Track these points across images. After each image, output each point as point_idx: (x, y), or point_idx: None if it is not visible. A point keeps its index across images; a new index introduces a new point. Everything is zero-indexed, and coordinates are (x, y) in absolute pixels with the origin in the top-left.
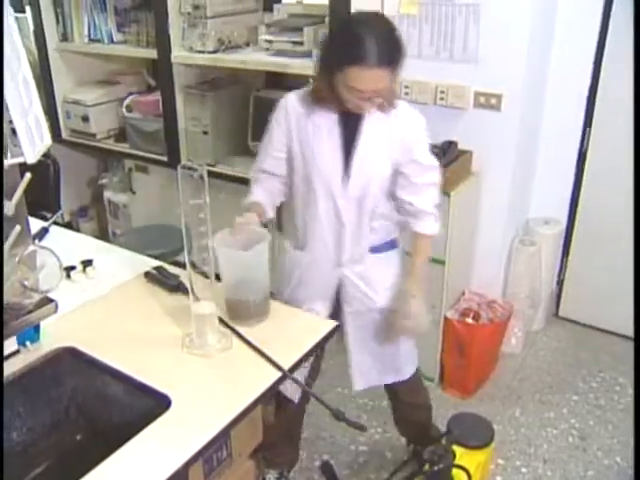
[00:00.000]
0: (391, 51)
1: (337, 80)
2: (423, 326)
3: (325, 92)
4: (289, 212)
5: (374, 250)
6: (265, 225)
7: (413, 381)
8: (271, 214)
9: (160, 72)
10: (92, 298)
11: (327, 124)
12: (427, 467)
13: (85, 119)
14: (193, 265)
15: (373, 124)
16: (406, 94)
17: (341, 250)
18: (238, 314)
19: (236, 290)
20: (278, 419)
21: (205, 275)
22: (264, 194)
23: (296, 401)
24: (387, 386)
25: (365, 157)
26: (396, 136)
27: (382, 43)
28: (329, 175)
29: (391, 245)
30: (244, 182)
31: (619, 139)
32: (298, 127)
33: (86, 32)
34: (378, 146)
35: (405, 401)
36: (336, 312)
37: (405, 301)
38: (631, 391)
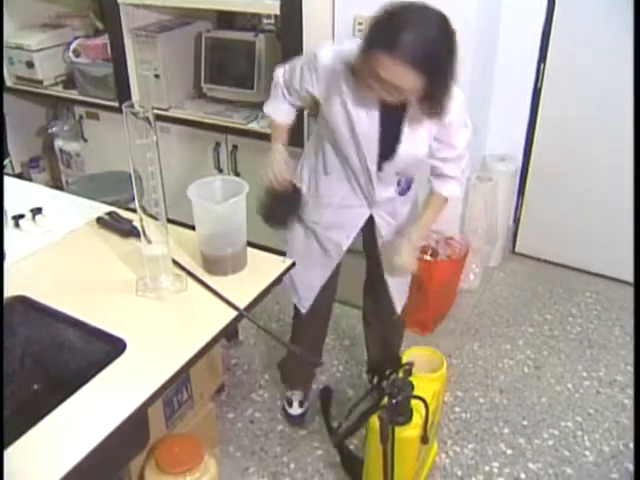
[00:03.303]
0: (429, 56)
1: (366, 60)
2: (407, 268)
3: (360, 71)
4: (315, 139)
5: (401, 193)
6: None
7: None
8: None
9: (107, 14)
10: (42, 246)
11: (368, 105)
12: (386, 399)
13: (30, 65)
14: (143, 208)
15: (416, 118)
16: (359, 31)
17: (371, 195)
18: (214, 267)
19: (211, 243)
20: (296, 336)
21: (156, 217)
22: (287, 114)
23: (304, 310)
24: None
25: (405, 149)
26: (436, 123)
27: (422, 43)
28: (365, 155)
29: (411, 183)
30: (197, 125)
31: (574, 75)
32: (336, 85)
33: None
34: (419, 136)
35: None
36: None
37: (402, 241)
38: (581, 321)
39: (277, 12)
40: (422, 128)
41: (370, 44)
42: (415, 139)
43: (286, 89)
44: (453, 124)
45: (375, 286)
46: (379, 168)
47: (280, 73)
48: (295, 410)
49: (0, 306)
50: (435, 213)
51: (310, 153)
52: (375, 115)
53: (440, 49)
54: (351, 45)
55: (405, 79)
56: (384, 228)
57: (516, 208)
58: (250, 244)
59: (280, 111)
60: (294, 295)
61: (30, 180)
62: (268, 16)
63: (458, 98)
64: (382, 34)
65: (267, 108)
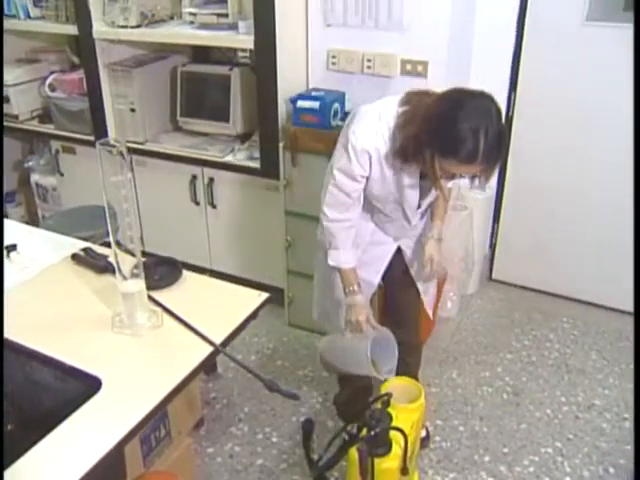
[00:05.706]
0: (497, 152)
1: (433, 157)
2: (439, 268)
3: (415, 158)
4: None
5: (421, 217)
6: None
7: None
8: None
9: (82, 49)
10: (17, 284)
11: (409, 175)
12: (364, 431)
13: (5, 100)
14: (118, 244)
15: None
16: (333, 64)
17: (403, 232)
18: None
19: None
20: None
21: (132, 253)
22: (353, 250)
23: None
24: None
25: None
26: None
27: (490, 144)
28: (406, 210)
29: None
30: (173, 159)
31: (544, 103)
32: (381, 167)
33: None
34: None
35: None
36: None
37: (427, 243)
38: (558, 346)
39: (251, 46)
40: None
41: (442, 151)
42: None
43: (347, 209)
44: None
45: (399, 310)
46: (418, 206)
47: (327, 214)
48: None
49: (1, 336)
50: (443, 207)
51: None
52: (416, 178)
53: (505, 138)
54: (385, 118)
55: (478, 170)
56: (408, 254)
57: (491, 234)
58: (226, 276)
59: (347, 258)
60: None
61: (6, 215)
62: (243, 49)
63: None
64: (453, 144)
65: (332, 260)
